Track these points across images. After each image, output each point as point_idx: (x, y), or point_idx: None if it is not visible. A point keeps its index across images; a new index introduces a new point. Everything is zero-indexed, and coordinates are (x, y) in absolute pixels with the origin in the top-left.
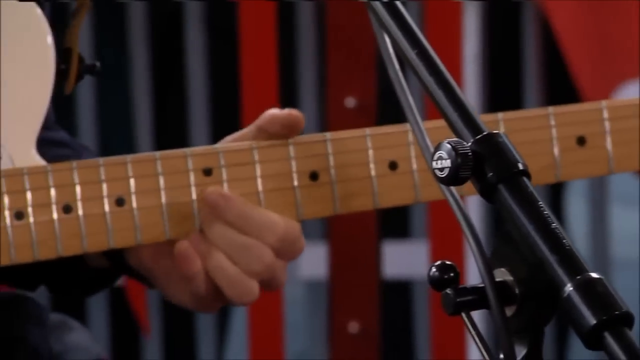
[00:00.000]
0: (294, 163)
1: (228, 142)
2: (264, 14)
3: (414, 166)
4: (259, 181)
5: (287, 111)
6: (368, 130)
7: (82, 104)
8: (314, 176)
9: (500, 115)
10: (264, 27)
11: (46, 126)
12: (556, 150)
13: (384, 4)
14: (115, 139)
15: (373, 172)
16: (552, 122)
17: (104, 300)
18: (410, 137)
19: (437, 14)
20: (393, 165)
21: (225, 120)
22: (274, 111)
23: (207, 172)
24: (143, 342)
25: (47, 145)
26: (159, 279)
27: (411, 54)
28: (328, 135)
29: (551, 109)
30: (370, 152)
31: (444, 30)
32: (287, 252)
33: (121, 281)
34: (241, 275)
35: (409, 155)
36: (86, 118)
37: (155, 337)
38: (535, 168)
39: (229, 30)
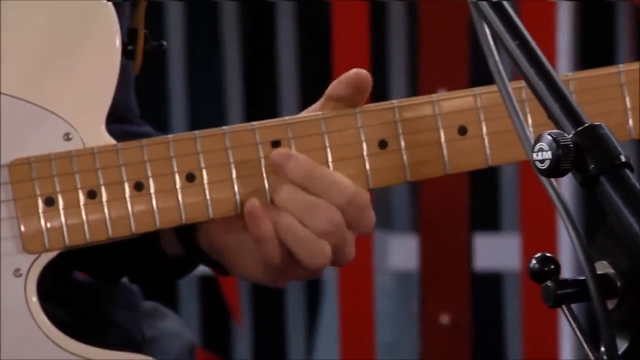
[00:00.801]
0: (362, 132)
1: (296, 117)
2: (358, 13)
3: (484, 130)
4: (328, 151)
5: (354, 70)
6: (435, 96)
7: (175, 100)
8: (382, 144)
9: (569, 74)
10: (357, 26)
11: (130, 119)
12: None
13: None
14: None
15: (442, 138)
16: (623, 80)
17: (195, 289)
18: (479, 100)
19: (531, 13)
20: (462, 130)
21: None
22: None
23: (276, 144)
24: (233, 331)
25: (130, 139)
26: (230, 257)
27: (512, 45)
28: (395, 102)
29: (622, 67)
30: (439, 117)
31: (538, 28)
32: (355, 218)
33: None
34: (311, 235)
35: (479, 119)
36: (178, 113)
37: (246, 326)
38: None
39: (321, 29)
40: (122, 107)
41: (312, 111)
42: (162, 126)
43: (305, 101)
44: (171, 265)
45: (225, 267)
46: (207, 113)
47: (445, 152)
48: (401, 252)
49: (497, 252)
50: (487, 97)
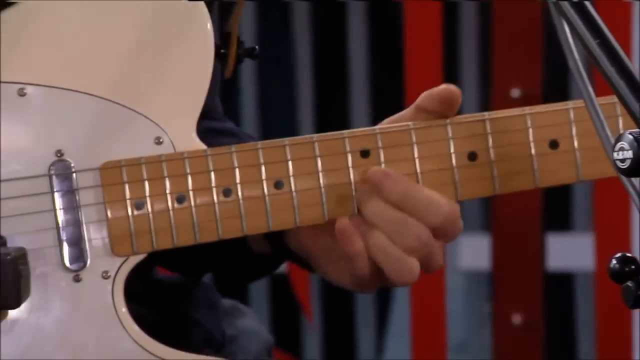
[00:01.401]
0: (452, 143)
1: (386, 124)
2: (430, 12)
3: (576, 144)
4: (417, 162)
5: (444, 86)
6: (527, 109)
7: (246, 96)
8: (472, 156)
9: None
10: (429, 25)
11: (214, 117)
12: None
13: None
14: (278, 131)
15: (533, 151)
16: None
17: (266, 287)
18: (572, 115)
19: (606, 13)
20: (554, 144)
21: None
22: (432, 89)
23: (365, 153)
24: (304, 328)
25: (214, 135)
26: (318, 260)
27: (592, 43)
28: (486, 114)
29: None
30: (530, 131)
31: (612, 29)
32: (447, 232)
33: (284, 268)
34: (401, 254)
35: (571, 134)
36: (249, 110)
37: (316, 323)
38: None
39: (392, 29)
40: (209, 107)
41: (400, 119)
42: (234, 123)
43: (376, 101)
44: (256, 262)
45: (312, 267)
46: (277, 111)
47: (535, 166)
48: (473, 252)
49: (569, 252)
50: (579, 111)
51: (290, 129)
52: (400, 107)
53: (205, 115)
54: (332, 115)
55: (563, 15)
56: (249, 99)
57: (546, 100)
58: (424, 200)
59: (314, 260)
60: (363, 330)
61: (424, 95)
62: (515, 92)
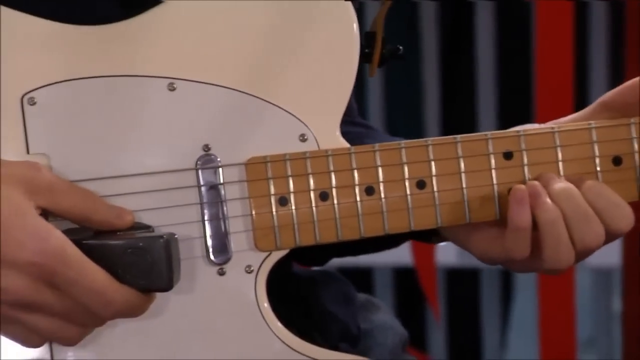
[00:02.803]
0: (596, 147)
1: (561, 123)
2: (561, 12)
3: None
4: (560, 165)
5: (638, 78)
6: None
7: (372, 93)
8: (617, 161)
9: None
10: (560, 25)
11: (350, 116)
12: None
13: None
14: (404, 131)
15: None
16: None
17: (391, 281)
18: None
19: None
20: None
21: (515, 115)
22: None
23: (508, 155)
24: (429, 323)
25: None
26: (464, 235)
27: None
28: (633, 119)
29: None
30: None
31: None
32: (618, 234)
33: (410, 262)
34: (568, 241)
35: None
36: (375, 109)
37: (442, 319)
38: None
39: (522, 27)
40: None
41: (580, 118)
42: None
43: (503, 102)
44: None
45: (452, 238)
46: (403, 110)
47: None
48: (602, 249)
49: None
50: None
51: (416, 130)
52: (529, 108)
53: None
54: (458, 116)
55: None
56: (375, 98)
57: None
58: (614, 199)
59: (462, 230)
60: (488, 327)
61: (614, 90)
62: None
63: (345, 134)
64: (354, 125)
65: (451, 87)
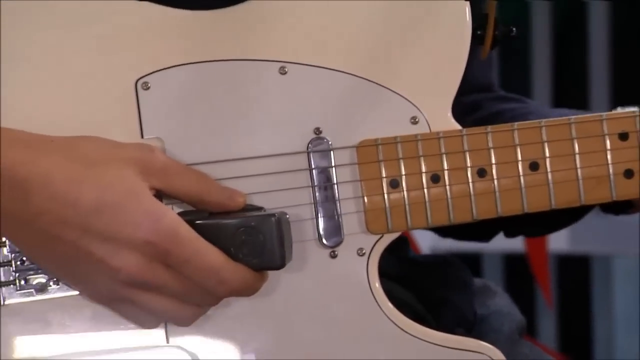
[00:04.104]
0: None
1: None
2: None
3: None
4: None
5: None
6: None
7: None
8: None
9: None
10: None
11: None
12: None
13: None
14: None
15: None
16: None
17: (500, 266)
18: None
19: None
20: None
21: (627, 96)
22: None
23: (623, 136)
24: (539, 309)
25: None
26: None
27: None
28: None
29: None
30: None
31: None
32: None
33: (522, 248)
34: None
35: None
36: None
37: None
38: None
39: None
40: (485, 84)
41: None
42: None
43: (617, 93)
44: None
45: None
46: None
47: None
48: None
49: None
50: None
51: None
52: None
53: (480, 89)
54: (570, 97)
55: None
56: None
57: None
58: None
59: None
60: (598, 314)
61: None
62: None
63: (497, 113)
64: (506, 101)
65: (562, 67)
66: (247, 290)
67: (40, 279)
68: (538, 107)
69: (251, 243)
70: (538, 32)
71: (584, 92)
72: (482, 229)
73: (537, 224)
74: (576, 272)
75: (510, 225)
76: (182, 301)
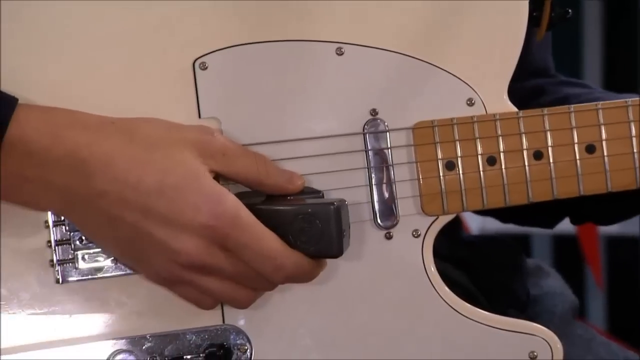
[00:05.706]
0: None
1: None
2: None
3: None
4: None
5: None
6: None
7: None
8: None
9: None
10: None
11: (548, 75)
12: None
13: None
14: None
15: None
16: None
17: (549, 247)
18: None
19: None
20: None
21: None
22: None
23: None
24: (587, 290)
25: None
26: None
27: None
28: None
29: None
30: None
31: None
32: None
33: (569, 229)
34: None
35: None
36: None
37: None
38: None
39: None
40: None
41: None
42: None
43: None
44: (623, 201)
45: None
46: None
47: None
48: None
49: None
50: None
51: None
52: None
53: (538, 72)
54: (620, 86)
55: None
56: None
57: None
58: None
59: None
60: None
61: None
62: None
63: (564, 98)
64: (570, 85)
65: (614, 48)
66: (304, 277)
67: (99, 257)
68: (603, 92)
69: (309, 231)
70: (590, 16)
71: (636, 78)
72: (546, 215)
73: (606, 211)
74: (626, 253)
75: (578, 211)
76: (239, 284)
